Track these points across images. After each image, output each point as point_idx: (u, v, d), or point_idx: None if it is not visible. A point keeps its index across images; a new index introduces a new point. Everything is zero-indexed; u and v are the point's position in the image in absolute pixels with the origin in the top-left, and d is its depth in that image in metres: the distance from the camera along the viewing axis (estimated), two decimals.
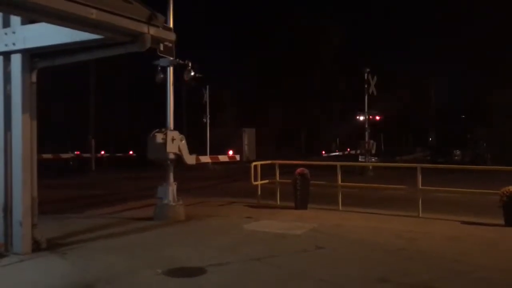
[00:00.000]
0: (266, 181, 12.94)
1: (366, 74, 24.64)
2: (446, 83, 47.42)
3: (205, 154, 24.66)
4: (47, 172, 19.69)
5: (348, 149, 41.48)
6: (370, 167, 22.85)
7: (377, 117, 27.63)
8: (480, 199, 12.09)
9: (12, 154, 7.24)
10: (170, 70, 10.96)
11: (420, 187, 10.72)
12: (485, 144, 31.43)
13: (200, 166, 21.02)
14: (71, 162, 28.89)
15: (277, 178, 12.65)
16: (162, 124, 10.90)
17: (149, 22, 6.50)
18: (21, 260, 6.97)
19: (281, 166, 12.88)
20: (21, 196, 7.17)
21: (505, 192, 9.48)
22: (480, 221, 9.86)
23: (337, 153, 42.81)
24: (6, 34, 7.09)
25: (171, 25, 10.28)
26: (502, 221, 9.45)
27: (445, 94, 48.61)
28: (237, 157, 21.52)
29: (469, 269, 6.58)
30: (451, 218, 10.23)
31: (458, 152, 29.82)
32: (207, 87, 28.95)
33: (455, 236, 8.66)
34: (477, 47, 42.24)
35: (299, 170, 11.97)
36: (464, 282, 6.14)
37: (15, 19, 7.05)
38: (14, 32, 7.03)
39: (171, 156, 10.52)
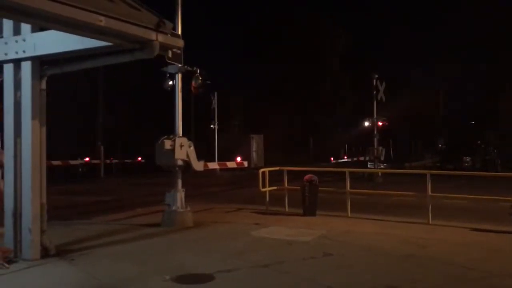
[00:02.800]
0: (274, 187, 12.91)
1: (374, 80, 24.56)
2: (455, 88, 47.19)
3: (213, 161, 24.71)
4: (56, 178, 19.82)
5: (357, 156, 41.31)
6: (379, 174, 22.75)
7: (386, 123, 27.51)
8: (490, 206, 11.97)
9: (22, 161, 7.29)
10: (178, 77, 10.99)
11: (430, 193, 10.64)
12: (495, 150, 31.13)
13: (208, 172, 21.04)
14: (80, 169, 29.04)
15: (285, 185, 12.62)
16: (170, 130, 10.94)
17: (157, 29, 6.53)
18: (29, 266, 7.00)
19: (289, 172, 12.85)
20: (30, 202, 7.21)
21: None
22: (490, 228, 9.76)
23: (345, 160, 42.62)
24: (16, 41, 7.16)
25: (179, 32, 10.32)
26: None
27: (454, 100, 48.36)
28: (245, 164, 21.48)
29: (479, 276, 6.51)
30: (461, 225, 10.14)
31: (468, 158, 29.57)
32: (215, 93, 29.05)
33: (465, 243, 8.58)
34: (486, 51, 42.07)
35: (307, 176, 11.93)
36: None
37: (25, 27, 7.12)
38: (24, 40, 7.10)
39: (179, 162, 10.54)
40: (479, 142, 32.25)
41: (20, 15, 5.59)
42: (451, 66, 45.04)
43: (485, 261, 7.30)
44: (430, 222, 10.37)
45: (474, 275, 6.58)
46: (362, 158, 36.04)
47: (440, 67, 47.04)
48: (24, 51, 7.10)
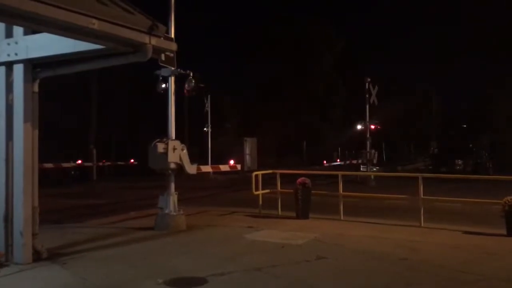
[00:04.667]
0: (267, 190, 12.91)
1: (367, 84, 24.67)
2: (449, 92, 47.56)
3: (207, 164, 24.68)
4: (48, 181, 19.71)
5: (350, 159, 41.46)
6: (372, 177, 22.81)
7: (379, 127, 27.61)
8: (482, 208, 12.04)
9: (14, 164, 7.25)
10: (172, 80, 10.98)
11: (422, 196, 10.70)
12: (487, 153, 31.33)
13: (201, 175, 21.01)
14: (72, 172, 28.86)
15: (278, 188, 12.62)
16: (164, 133, 10.92)
17: (150, 32, 6.54)
18: (21, 270, 6.96)
19: (282, 175, 12.86)
20: (22, 205, 7.17)
21: (507, 202, 9.42)
22: (482, 231, 9.81)
23: (338, 163, 42.74)
24: (8, 44, 7.14)
25: (173, 35, 10.31)
26: (504, 231, 9.40)
27: (447, 103, 48.71)
28: (238, 167, 21.46)
29: (471, 279, 6.54)
30: (453, 228, 10.18)
31: (460, 161, 29.70)
32: (209, 96, 29.06)
33: (457, 246, 8.62)
34: (479, 54, 42.37)
35: (300, 179, 11.95)
36: None
37: (18, 30, 7.10)
38: (16, 43, 7.08)
39: (172, 165, 10.52)
40: (471, 145, 32.40)
41: (12, 17, 5.57)
42: (445, 69, 45.40)
43: (478, 264, 7.34)
44: (423, 225, 10.42)
45: (467, 278, 6.61)
46: (355, 161, 36.16)
47: (434, 70, 47.41)
48: (16, 54, 7.08)
